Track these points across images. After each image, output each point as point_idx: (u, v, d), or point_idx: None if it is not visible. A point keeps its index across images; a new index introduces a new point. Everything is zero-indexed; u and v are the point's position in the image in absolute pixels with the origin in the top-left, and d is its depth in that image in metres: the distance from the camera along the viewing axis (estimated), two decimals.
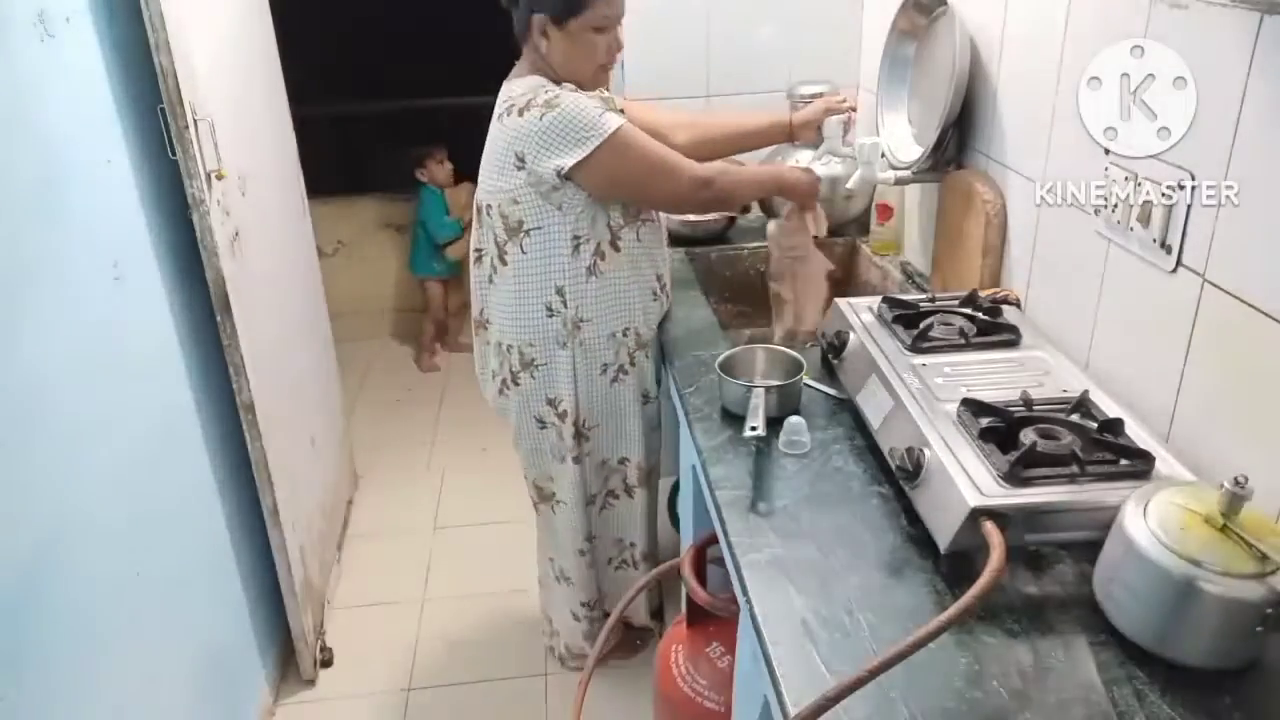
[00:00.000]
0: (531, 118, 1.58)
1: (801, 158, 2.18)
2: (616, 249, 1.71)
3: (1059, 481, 1.07)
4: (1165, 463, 1.10)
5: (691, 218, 2.21)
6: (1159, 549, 0.91)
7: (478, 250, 1.80)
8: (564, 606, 2.10)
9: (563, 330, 1.74)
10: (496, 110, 1.69)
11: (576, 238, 1.68)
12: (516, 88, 1.65)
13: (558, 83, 1.64)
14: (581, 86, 1.66)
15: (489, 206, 1.72)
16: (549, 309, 1.73)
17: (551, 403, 1.81)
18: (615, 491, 1.97)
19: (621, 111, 1.67)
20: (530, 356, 1.78)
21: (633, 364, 1.81)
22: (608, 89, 1.75)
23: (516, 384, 1.82)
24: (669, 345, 1.77)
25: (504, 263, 1.74)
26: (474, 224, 1.80)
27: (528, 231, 1.68)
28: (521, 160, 1.62)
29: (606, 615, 2.07)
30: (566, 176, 1.60)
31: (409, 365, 3.92)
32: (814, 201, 1.83)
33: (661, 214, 1.86)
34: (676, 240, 2.19)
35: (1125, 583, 0.95)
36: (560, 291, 1.71)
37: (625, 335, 1.78)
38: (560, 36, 1.61)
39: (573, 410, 1.81)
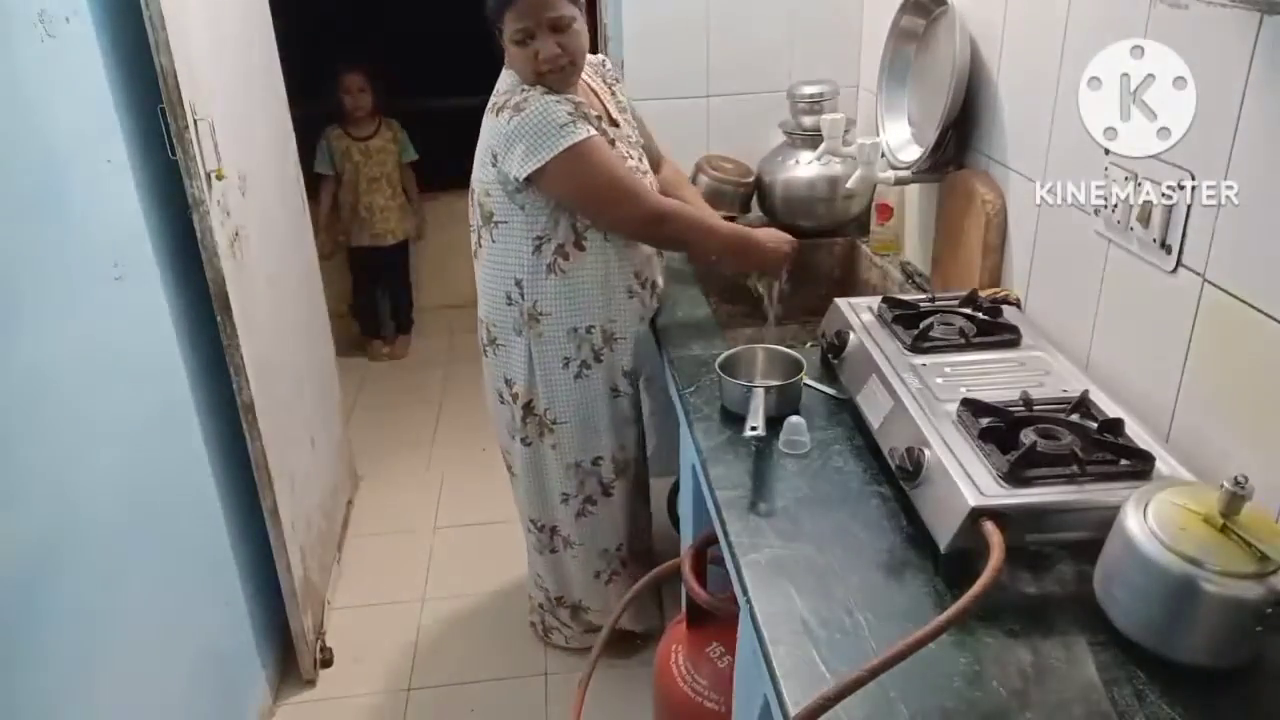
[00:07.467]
0: (503, 120, 1.64)
1: (802, 157, 2.19)
2: (581, 248, 1.74)
3: (1059, 481, 1.07)
4: (1165, 463, 1.10)
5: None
6: (1159, 549, 0.91)
7: (472, 226, 1.87)
8: (529, 571, 2.19)
9: (519, 319, 1.81)
10: (489, 103, 1.75)
11: (539, 238, 1.72)
12: (501, 84, 1.72)
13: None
14: (549, 88, 1.64)
15: (473, 192, 1.80)
16: (508, 297, 1.80)
17: (508, 382, 1.89)
18: (593, 497, 1.98)
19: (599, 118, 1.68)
20: (494, 335, 1.87)
21: (598, 359, 1.83)
22: (574, 91, 1.70)
23: (486, 356, 1.91)
24: (668, 344, 1.76)
25: (480, 245, 1.82)
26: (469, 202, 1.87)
27: (496, 224, 1.75)
28: (495, 158, 1.67)
29: (559, 603, 2.14)
30: (527, 180, 1.63)
31: (410, 365, 3.91)
32: (780, 273, 1.87)
33: None
34: None
35: (1125, 583, 0.95)
36: (519, 284, 1.78)
37: (589, 332, 1.80)
38: (505, 43, 1.67)
39: (525, 394, 1.86)
